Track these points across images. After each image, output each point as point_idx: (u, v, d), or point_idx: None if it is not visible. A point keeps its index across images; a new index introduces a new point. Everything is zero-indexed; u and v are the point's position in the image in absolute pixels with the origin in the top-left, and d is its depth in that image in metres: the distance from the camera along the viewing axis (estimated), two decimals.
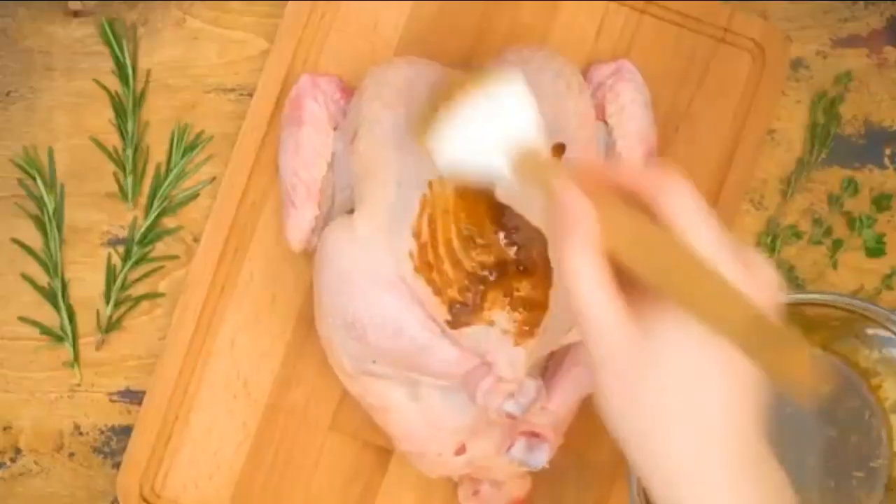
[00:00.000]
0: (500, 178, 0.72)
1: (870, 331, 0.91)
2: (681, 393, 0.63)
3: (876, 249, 0.97)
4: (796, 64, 0.98)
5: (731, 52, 0.96)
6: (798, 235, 0.97)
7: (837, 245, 0.97)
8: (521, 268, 0.83)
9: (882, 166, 0.98)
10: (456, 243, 0.82)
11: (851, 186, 0.97)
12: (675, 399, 0.63)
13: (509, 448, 0.85)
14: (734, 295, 0.61)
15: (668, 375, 0.63)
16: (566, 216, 0.64)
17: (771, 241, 0.96)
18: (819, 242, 0.97)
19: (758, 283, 0.63)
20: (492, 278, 0.82)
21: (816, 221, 0.97)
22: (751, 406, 0.64)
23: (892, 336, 0.90)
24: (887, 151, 0.98)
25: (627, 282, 0.64)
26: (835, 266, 0.97)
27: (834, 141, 0.97)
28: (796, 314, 0.91)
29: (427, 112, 0.77)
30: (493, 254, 0.82)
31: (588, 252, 0.63)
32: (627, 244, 0.63)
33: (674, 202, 0.63)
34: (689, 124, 0.96)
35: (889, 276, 0.97)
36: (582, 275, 0.63)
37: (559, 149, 0.81)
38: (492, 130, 0.72)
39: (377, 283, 0.83)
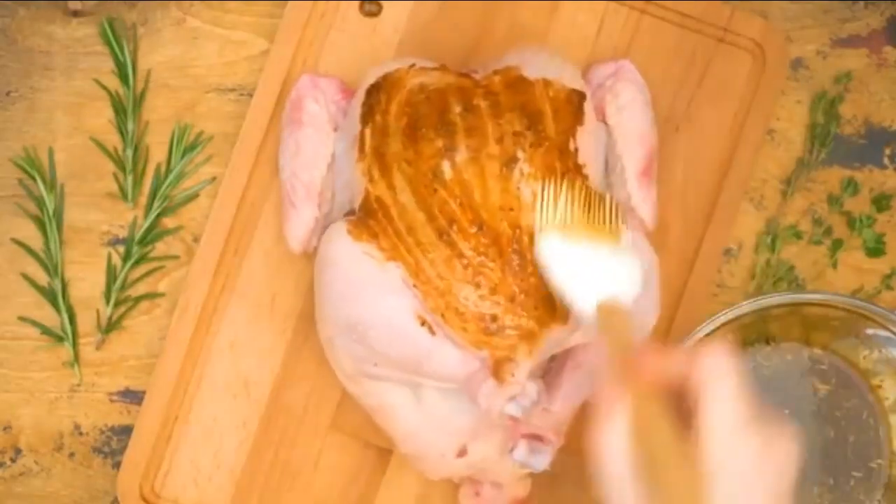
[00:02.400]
0: (580, 309, 0.78)
1: (870, 331, 0.91)
2: None
3: (876, 249, 0.97)
4: (796, 64, 0.98)
5: (731, 52, 0.96)
6: (798, 235, 0.97)
7: (837, 245, 0.97)
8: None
9: (882, 166, 0.98)
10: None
11: (851, 186, 0.97)
12: None
13: (511, 450, 0.85)
14: None
15: None
16: (612, 397, 0.70)
17: (771, 241, 0.96)
18: (819, 242, 0.97)
19: (775, 460, 0.68)
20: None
21: (816, 221, 0.97)
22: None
23: (892, 336, 0.90)
24: (887, 151, 0.98)
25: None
26: (835, 266, 0.97)
27: (834, 141, 0.97)
28: (796, 314, 0.91)
29: (560, 207, 0.82)
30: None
31: (618, 435, 0.68)
32: (649, 440, 0.68)
33: (704, 371, 0.69)
34: (689, 124, 0.96)
35: (889, 276, 0.97)
36: (612, 455, 0.69)
37: None
38: (601, 274, 0.79)
39: (378, 286, 0.83)
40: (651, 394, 0.69)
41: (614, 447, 0.68)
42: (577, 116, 0.86)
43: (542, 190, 0.83)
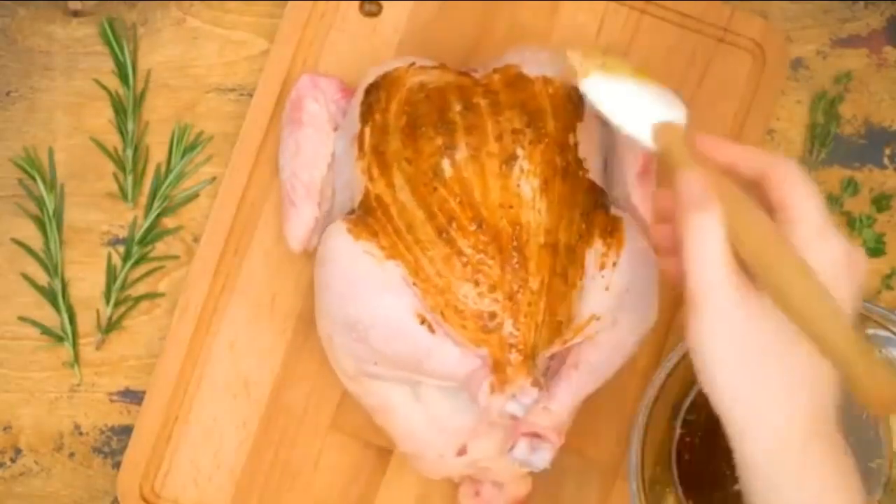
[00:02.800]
0: (639, 136, 0.78)
1: (870, 331, 0.91)
2: (780, 357, 0.69)
3: (876, 249, 0.97)
4: (796, 64, 0.98)
5: (731, 52, 0.96)
6: None
7: None
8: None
9: (882, 166, 0.98)
10: None
11: (851, 186, 0.97)
12: (773, 360, 0.69)
13: (511, 449, 0.85)
14: (829, 306, 0.67)
15: (771, 338, 0.69)
16: (698, 193, 0.70)
17: None
18: None
19: (856, 266, 0.70)
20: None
21: None
22: (832, 395, 0.71)
23: (892, 336, 0.90)
24: (887, 151, 0.98)
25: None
26: None
27: (834, 141, 0.97)
28: None
29: (599, 56, 0.84)
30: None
31: (718, 225, 0.69)
32: (741, 230, 0.69)
33: (783, 174, 0.71)
34: (689, 124, 0.96)
35: (889, 276, 0.97)
36: (707, 240, 0.69)
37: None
38: (648, 101, 0.80)
39: (378, 284, 0.83)
40: (735, 187, 0.70)
41: (714, 233, 0.69)
42: (577, 113, 0.86)
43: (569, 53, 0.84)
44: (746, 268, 0.70)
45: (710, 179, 0.71)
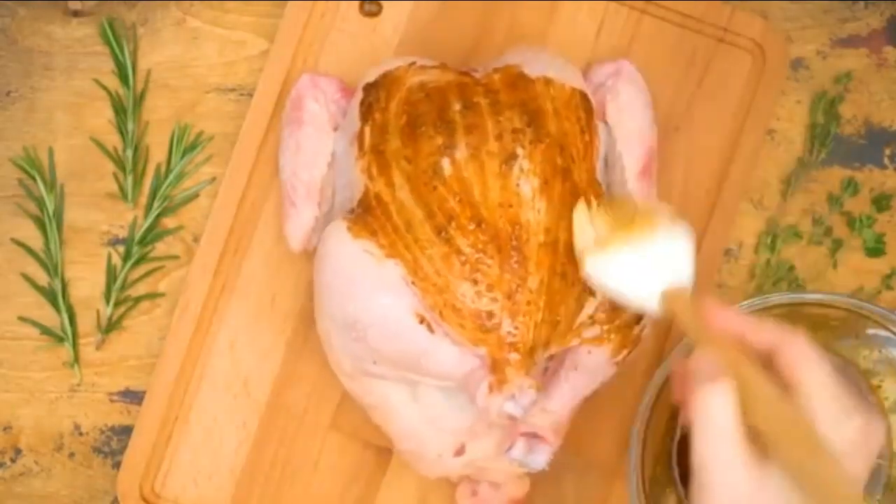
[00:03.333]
0: (648, 307, 0.80)
1: (870, 331, 0.91)
2: None
3: (876, 249, 0.97)
4: (796, 64, 0.98)
5: (731, 52, 0.96)
6: (798, 235, 0.97)
7: (837, 245, 0.97)
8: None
9: (882, 166, 0.98)
10: None
11: (851, 186, 0.97)
12: None
13: (509, 449, 0.85)
14: (841, 482, 0.68)
15: None
16: (709, 367, 0.71)
17: (771, 241, 0.96)
18: (819, 242, 0.97)
19: (865, 436, 0.70)
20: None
21: (816, 221, 0.97)
22: None
23: (892, 336, 0.90)
24: (887, 151, 0.98)
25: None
26: (835, 266, 0.97)
27: (834, 141, 0.97)
28: (796, 314, 0.91)
29: (591, 226, 0.84)
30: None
31: (727, 401, 0.69)
32: (752, 404, 0.70)
33: (796, 353, 0.71)
34: (689, 124, 0.96)
35: (889, 276, 0.97)
36: (718, 416, 0.69)
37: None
38: (652, 268, 0.80)
39: (377, 283, 0.83)
40: (747, 360, 0.70)
41: (724, 410, 0.69)
42: (580, 115, 0.87)
43: (574, 215, 0.84)
44: (757, 436, 0.70)
45: (720, 350, 0.72)
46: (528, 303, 0.82)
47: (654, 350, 0.94)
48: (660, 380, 0.89)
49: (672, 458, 0.92)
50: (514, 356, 0.82)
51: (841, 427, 0.69)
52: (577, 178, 0.85)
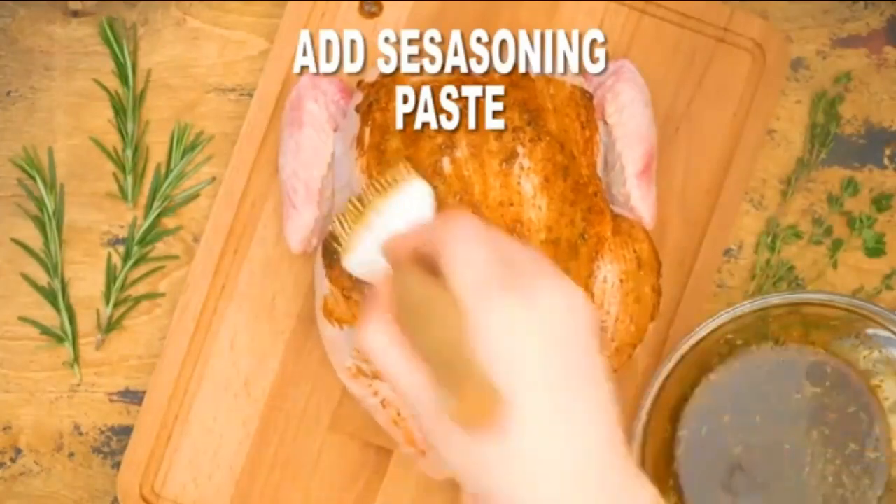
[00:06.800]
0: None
1: (870, 331, 0.91)
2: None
3: (876, 249, 0.97)
4: (796, 64, 0.98)
5: (731, 52, 0.96)
6: (798, 235, 0.97)
7: (837, 245, 0.97)
8: None
9: (882, 166, 0.98)
10: None
11: (851, 186, 0.97)
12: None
13: None
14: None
15: None
16: (368, 295, 0.67)
17: (771, 241, 0.96)
18: (819, 242, 0.97)
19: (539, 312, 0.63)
20: None
21: (816, 221, 0.97)
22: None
23: (892, 336, 0.90)
24: (887, 151, 0.98)
25: None
26: (835, 266, 0.97)
27: (834, 141, 0.97)
28: (796, 314, 0.91)
29: (344, 230, 0.76)
30: None
31: (381, 327, 0.65)
32: (406, 314, 0.65)
33: (445, 244, 0.64)
34: (689, 124, 0.96)
35: (889, 276, 0.97)
36: (381, 350, 0.65)
37: None
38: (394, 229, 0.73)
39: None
40: (406, 265, 0.66)
41: (383, 337, 0.64)
42: (580, 111, 0.87)
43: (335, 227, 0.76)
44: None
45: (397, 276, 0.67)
46: None
47: (655, 350, 0.94)
48: (659, 380, 0.89)
49: (672, 458, 0.92)
50: None
51: (494, 310, 0.62)
52: (577, 175, 0.85)
